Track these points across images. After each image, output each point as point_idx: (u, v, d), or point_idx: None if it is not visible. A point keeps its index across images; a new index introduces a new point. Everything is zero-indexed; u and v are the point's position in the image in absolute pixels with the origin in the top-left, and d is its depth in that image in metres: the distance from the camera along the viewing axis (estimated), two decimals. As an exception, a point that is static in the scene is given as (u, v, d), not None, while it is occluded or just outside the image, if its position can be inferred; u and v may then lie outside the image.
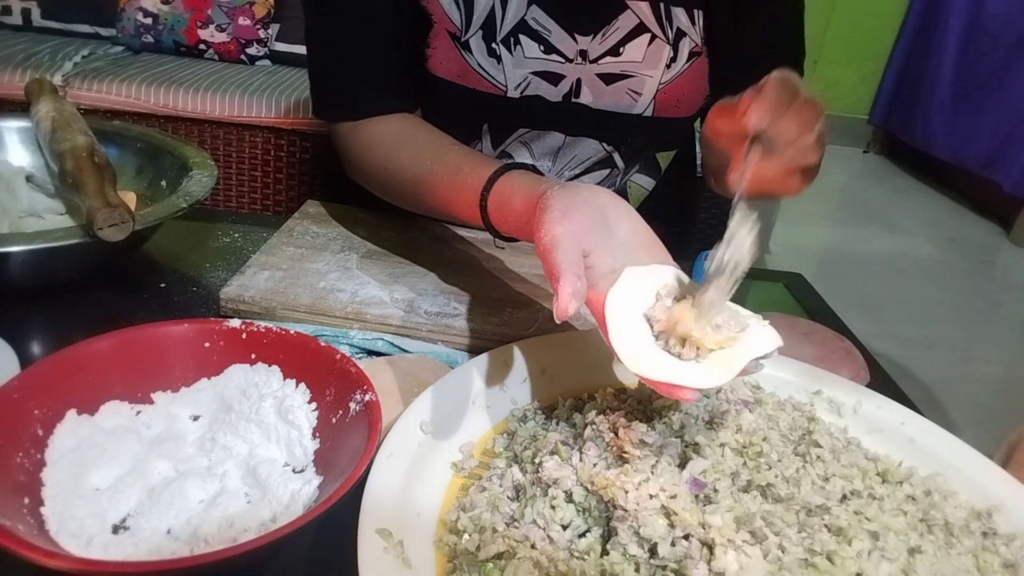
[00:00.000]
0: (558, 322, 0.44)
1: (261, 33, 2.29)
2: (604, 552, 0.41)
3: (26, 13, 2.36)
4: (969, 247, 3.27)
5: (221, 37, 2.27)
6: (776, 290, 0.86)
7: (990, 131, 3.40)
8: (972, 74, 3.56)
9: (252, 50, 2.29)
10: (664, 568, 0.39)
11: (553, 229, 0.48)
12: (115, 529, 0.41)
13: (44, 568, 0.34)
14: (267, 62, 2.34)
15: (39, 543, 0.36)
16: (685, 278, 0.49)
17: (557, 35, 0.78)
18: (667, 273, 0.49)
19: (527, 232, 0.55)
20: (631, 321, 0.46)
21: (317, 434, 0.48)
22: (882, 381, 0.67)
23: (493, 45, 0.78)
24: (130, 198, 0.74)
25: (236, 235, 0.81)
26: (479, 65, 0.79)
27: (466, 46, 0.78)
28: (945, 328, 2.51)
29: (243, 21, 2.26)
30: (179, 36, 2.26)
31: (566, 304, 0.44)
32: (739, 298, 0.82)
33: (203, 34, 2.26)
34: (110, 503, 0.42)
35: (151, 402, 0.50)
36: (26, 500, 0.40)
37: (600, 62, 0.80)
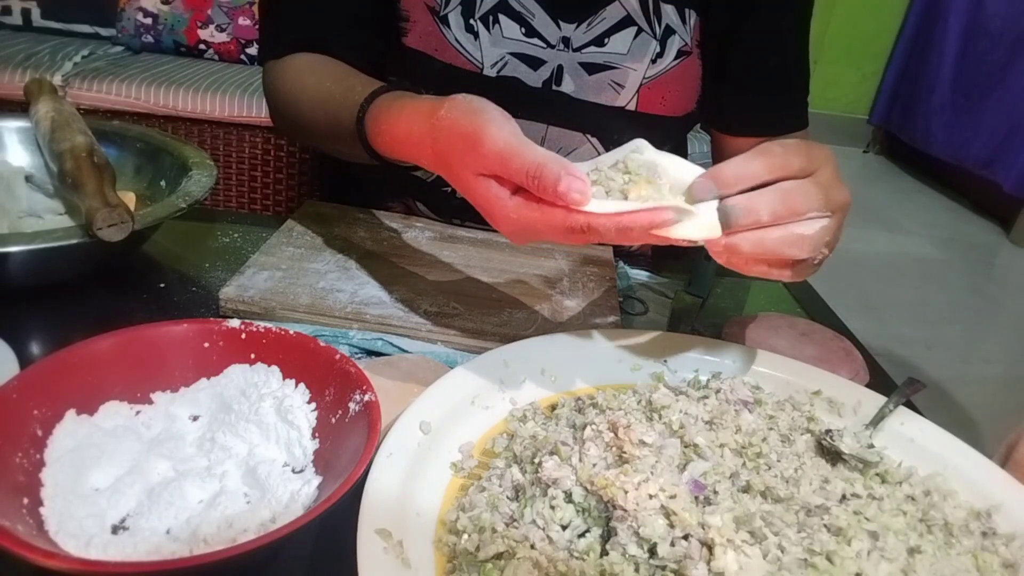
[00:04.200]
0: (581, 205, 0.44)
1: (261, 33, 2.29)
2: (604, 552, 0.41)
3: (26, 13, 2.36)
4: (969, 247, 3.27)
5: (221, 37, 2.27)
6: (776, 290, 0.86)
7: (990, 131, 3.40)
8: (972, 74, 3.56)
9: (252, 50, 2.29)
10: (664, 568, 0.39)
11: (506, 127, 0.47)
12: (114, 529, 0.41)
13: (43, 568, 0.34)
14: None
15: (38, 543, 0.36)
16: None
17: (540, 19, 0.79)
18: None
19: (419, 149, 0.53)
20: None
21: (316, 434, 0.48)
22: (882, 381, 0.67)
23: (471, 21, 0.79)
24: (129, 198, 0.74)
25: (235, 235, 0.80)
26: (456, 40, 0.79)
27: (444, 20, 0.79)
28: (945, 328, 2.51)
29: (243, 21, 2.26)
30: (179, 36, 2.26)
31: (589, 185, 0.44)
32: (739, 298, 0.82)
33: (203, 34, 2.26)
34: (109, 503, 0.42)
35: (150, 402, 0.50)
36: (25, 500, 0.40)
37: (583, 51, 0.80)
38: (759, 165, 0.47)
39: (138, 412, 0.49)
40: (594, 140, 0.85)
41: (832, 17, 3.83)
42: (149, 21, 2.26)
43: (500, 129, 0.46)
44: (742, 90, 0.83)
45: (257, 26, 0.84)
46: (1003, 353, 2.44)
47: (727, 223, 0.46)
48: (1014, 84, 3.32)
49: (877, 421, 0.56)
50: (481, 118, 0.47)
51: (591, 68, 0.80)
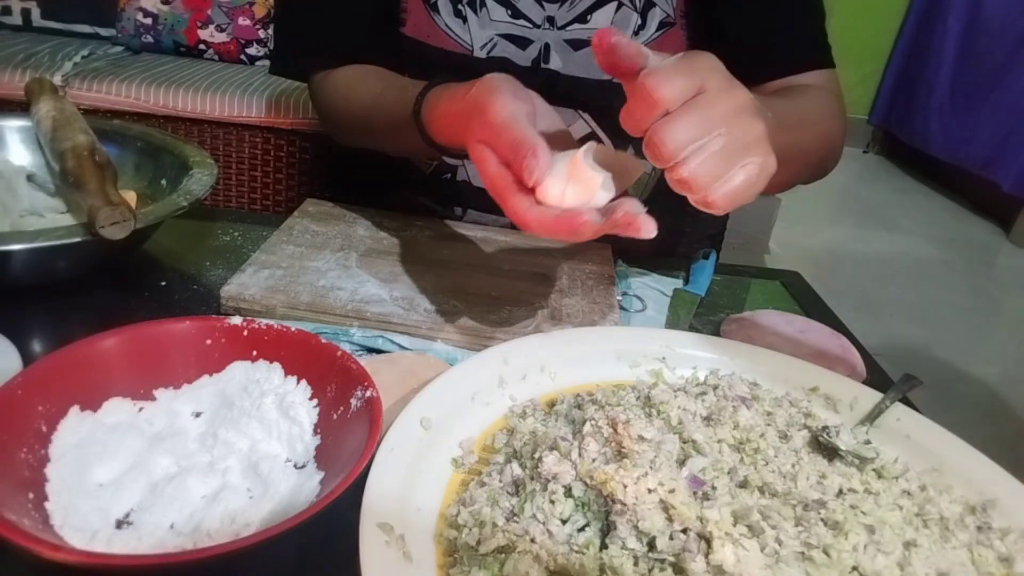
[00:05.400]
0: (530, 184, 0.48)
1: (261, 33, 2.30)
2: (603, 546, 0.41)
3: (26, 13, 2.36)
4: (969, 247, 3.28)
5: (221, 37, 2.27)
6: (773, 288, 0.87)
7: (989, 131, 3.41)
8: (971, 74, 3.56)
9: (252, 50, 2.29)
10: (662, 561, 0.40)
11: (509, 105, 0.50)
12: (118, 524, 0.42)
13: (50, 561, 0.35)
14: (267, 62, 2.34)
15: (44, 537, 0.37)
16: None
17: (525, 1, 0.82)
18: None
19: (457, 126, 0.57)
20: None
21: (318, 430, 0.48)
22: (879, 378, 0.67)
23: (459, 6, 0.82)
24: (131, 197, 0.74)
25: (236, 234, 0.81)
26: (446, 25, 0.82)
27: (434, 7, 0.82)
28: (945, 328, 2.51)
29: (243, 21, 2.27)
30: (179, 36, 2.27)
31: (544, 169, 0.47)
32: (739, 296, 0.83)
33: (203, 34, 2.27)
34: (113, 498, 0.42)
35: (153, 399, 0.50)
36: (30, 495, 0.41)
37: (567, 29, 0.82)
38: (639, 108, 0.46)
39: (141, 408, 0.49)
40: (586, 116, 0.86)
41: (832, 17, 3.83)
42: (149, 21, 2.26)
43: (504, 106, 0.50)
44: (744, 38, 0.82)
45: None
46: (1003, 353, 2.44)
47: (659, 157, 0.46)
48: (1013, 84, 3.32)
49: (874, 417, 0.57)
50: (493, 94, 0.51)
51: (576, 44, 0.83)
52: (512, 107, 0.50)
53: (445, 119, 0.62)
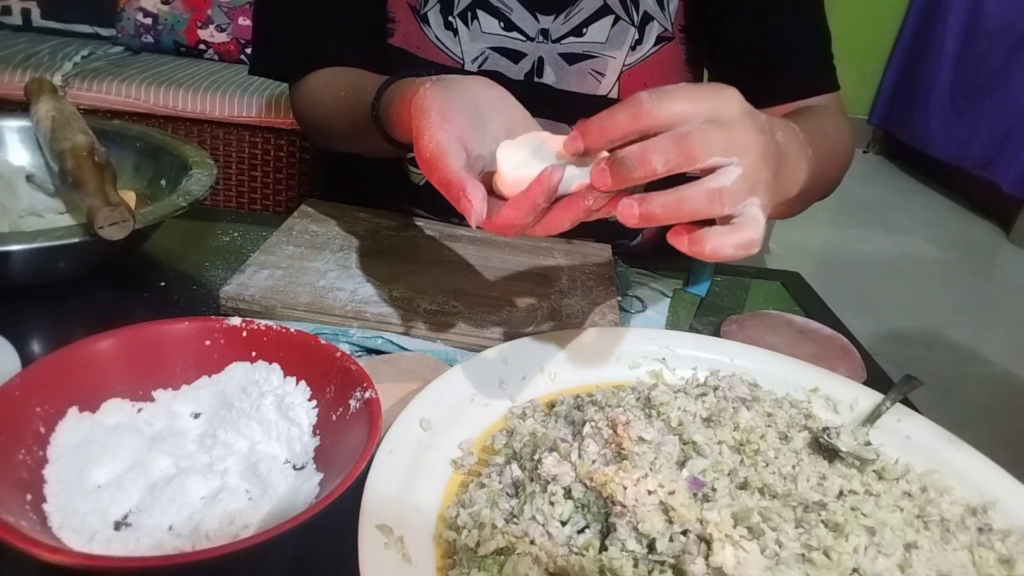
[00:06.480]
0: (475, 226, 0.45)
1: (261, 33, 2.30)
2: (603, 548, 0.41)
3: (26, 13, 2.36)
4: (969, 247, 3.28)
5: (221, 37, 2.27)
6: (773, 288, 0.87)
7: (989, 131, 3.41)
8: (971, 74, 3.56)
9: (252, 50, 2.29)
10: (662, 563, 0.40)
11: (436, 135, 0.47)
12: (117, 525, 0.41)
13: (48, 564, 0.35)
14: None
15: (42, 539, 0.37)
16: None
17: (518, 13, 0.80)
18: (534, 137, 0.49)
19: (408, 136, 0.53)
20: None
21: (317, 431, 0.48)
22: (879, 379, 0.67)
23: (450, 18, 0.80)
24: (130, 197, 0.74)
25: (236, 234, 0.81)
26: (436, 37, 0.81)
27: (424, 19, 0.80)
28: (945, 328, 2.51)
29: (243, 21, 2.26)
30: (179, 36, 2.27)
31: (481, 208, 0.44)
32: (739, 296, 0.83)
33: (203, 34, 2.26)
34: (112, 500, 0.42)
35: (152, 399, 0.50)
36: (28, 497, 0.40)
37: (562, 42, 0.81)
38: (623, 114, 0.43)
39: (140, 409, 0.49)
40: None
41: (832, 17, 3.83)
42: (149, 21, 2.26)
43: (430, 139, 0.47)
44: (750, 60, 0.82)
45: (252, 34, 0.86)
46: (1003, 353, 2.44)
47: (620, 178, 0.43)
48: (1013, 84, 3.32)
49: (874, 418, 0.56)
50: (421, 120, 0.48)
51: (571, 58, 0.81)
52: (437, 138, 0.47)
53: (399, 128, 0.59)
